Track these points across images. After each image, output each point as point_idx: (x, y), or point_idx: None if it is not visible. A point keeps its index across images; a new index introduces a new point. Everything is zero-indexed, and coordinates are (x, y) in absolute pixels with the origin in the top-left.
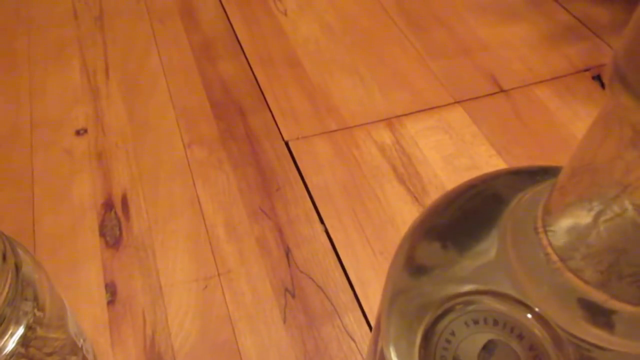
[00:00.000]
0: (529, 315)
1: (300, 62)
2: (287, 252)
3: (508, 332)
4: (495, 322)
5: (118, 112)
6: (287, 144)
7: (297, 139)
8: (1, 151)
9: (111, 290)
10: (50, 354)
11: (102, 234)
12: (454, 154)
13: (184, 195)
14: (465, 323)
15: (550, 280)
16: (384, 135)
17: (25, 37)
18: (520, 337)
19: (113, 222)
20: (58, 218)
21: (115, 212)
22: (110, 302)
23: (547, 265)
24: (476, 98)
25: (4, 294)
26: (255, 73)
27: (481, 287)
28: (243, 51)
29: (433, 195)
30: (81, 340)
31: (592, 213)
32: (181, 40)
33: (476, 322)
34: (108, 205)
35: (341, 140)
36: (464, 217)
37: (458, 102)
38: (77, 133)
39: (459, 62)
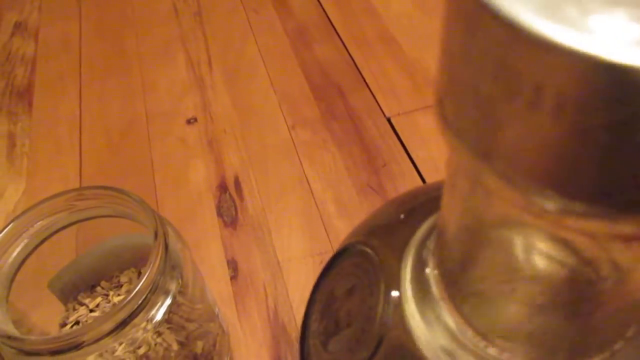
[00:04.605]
0: None
1: (395, 38)
2: None
3: None
4: None
5: (223, 100)
6: (389, 120)
7: (399, 114)
8: (123, 143)
9: (233, 266)
10: (190, 321)
11: (220, 215)
12: None
13: (292, 175)
14: None
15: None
16: None
17: (133, 37)
18: None
19: (229, 203)
20: (179, 201)
21: (230, 194)
22: (233, 277)
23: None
24: None
25: (156, 265)
26: (351, 53)
27: None
28: (337, 33)
29: None
30: (216, 309)
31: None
32: (276, 27)
33: None
34: (222, 188)
35: None
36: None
37: None
38: (188, 122)
39: None
